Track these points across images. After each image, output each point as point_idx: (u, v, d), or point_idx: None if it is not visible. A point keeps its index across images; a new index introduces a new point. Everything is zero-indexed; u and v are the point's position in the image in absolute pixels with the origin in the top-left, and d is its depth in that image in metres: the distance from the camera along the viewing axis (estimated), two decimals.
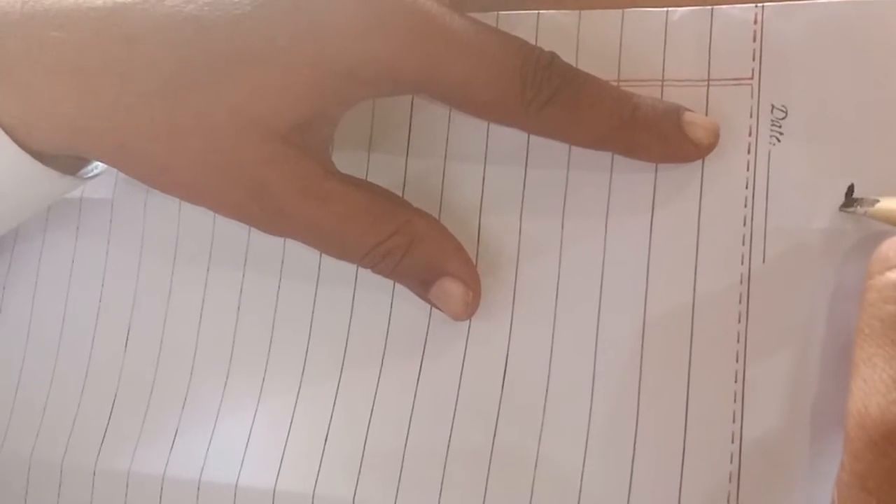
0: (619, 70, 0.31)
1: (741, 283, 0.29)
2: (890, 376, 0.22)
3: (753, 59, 0.29)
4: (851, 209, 0.27)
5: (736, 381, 0.28)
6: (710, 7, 0.30)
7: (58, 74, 0.27)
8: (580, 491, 0.29)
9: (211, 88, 0.27)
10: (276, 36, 0.27)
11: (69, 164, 0.31)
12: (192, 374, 0.35)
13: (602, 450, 0.29)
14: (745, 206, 0.29)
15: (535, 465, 0.30)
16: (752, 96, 0.29)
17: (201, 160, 0.28)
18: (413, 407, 0.31)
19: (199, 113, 0.27)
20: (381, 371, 0.32)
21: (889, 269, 0.23)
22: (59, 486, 0.35)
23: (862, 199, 0.27)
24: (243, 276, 0.35)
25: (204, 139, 0.27)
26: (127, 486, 0.34)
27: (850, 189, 0.28)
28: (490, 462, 0.30)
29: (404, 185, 0.33)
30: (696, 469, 0.28)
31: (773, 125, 0.29)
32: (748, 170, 0.29)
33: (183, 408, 0.34)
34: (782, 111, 0.29)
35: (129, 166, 0.29)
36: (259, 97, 0.27)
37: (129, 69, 0.27)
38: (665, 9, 0.31)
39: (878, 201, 0.26)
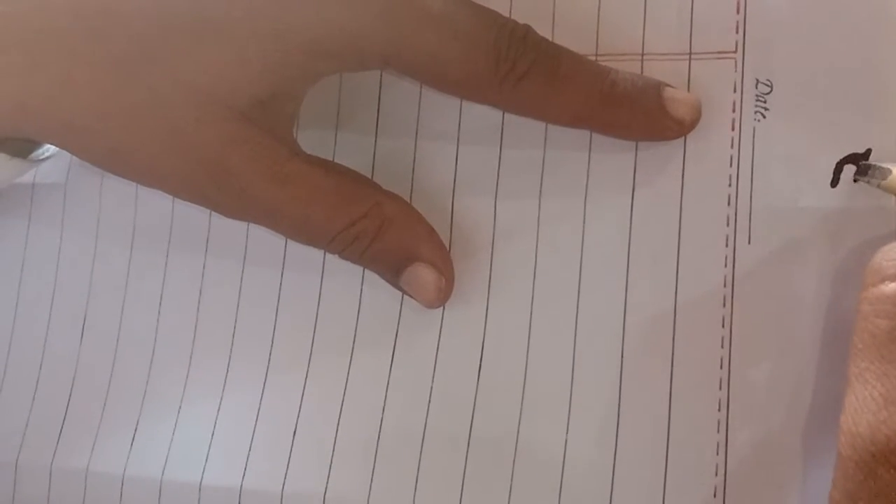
0: (596, 44, 0.30)
1: (725, 265, 0.28)
2: (881, 394, 0.21)
3: (737, 32, 0.29)
4: (865, 178, 0.26)
5: (721, 368, 0.28)
6: None
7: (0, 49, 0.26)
8: (561, 484, 0.28)
9: (165, 63, 0.26)
10: (233, 6, 0.26)
11: (18, 146, 0.31)
12: (151, 365, 0.34)
13: (583, 440, 0.29)
14: (730, 185, 0.28)
15: (515, 455, 0.29)
16: (735, 70, 0.29)
17: (156, 141, 0.27)
18: (385, 398, 0.31)
19: (152, 90, 0.26)
20: (351, 361, 0.31)
21: (882, 280, 0.22)
22: (14, 484, 0.35)
23: (875, 168, 0.26)
24: (204, 262, 0.34)
25: (158, 118, 0.27)
26: (85, 486, 0.33)
27: (839, 166, 0.27)
28: (468, 452, 0.30)
29: (373, 167, 0.32)
30: (679, 481, 0.27)
31: (757, 100, 0.28)
32: (732, 147, 0.28)
33: (143, 402, 0.34)
34: (767, 85, 0.28)
35: (79, 148, 0.28)
36: (217, 73, 0.26)
37: (77, 43, 0.26)
38: None
39: (891, 172, 0.25)
